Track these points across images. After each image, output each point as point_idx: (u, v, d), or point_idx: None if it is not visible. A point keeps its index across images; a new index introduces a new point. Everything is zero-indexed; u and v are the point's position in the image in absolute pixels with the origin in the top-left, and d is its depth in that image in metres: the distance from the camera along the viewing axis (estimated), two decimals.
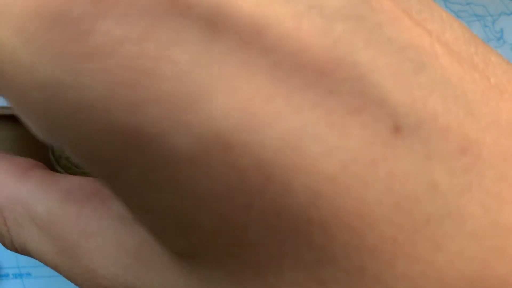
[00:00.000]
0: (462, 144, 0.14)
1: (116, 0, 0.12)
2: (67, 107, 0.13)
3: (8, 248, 0.19)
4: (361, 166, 0.13)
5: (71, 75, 0.12)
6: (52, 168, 0.26)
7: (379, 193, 0.13)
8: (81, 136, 0.13)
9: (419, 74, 0.14)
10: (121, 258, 0.17)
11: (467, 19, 0.29)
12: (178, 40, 0.12)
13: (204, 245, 0.14)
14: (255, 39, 0.13)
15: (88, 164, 0.14)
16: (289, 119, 0.13)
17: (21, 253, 0.19)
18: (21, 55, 0.13)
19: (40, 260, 0.18)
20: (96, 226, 0.17)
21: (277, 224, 0.13)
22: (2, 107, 0.27)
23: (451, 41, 0.15)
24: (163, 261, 0.16)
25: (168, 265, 0.16)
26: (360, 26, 0.13)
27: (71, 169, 0.26)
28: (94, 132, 0.13)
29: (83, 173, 0.26)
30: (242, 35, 0.13)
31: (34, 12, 0.13)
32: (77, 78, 0.12)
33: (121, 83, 0.12)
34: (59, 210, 0.18)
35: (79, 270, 0.17)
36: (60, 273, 0.18)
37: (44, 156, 0.27)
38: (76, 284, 0.17)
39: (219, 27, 0.13)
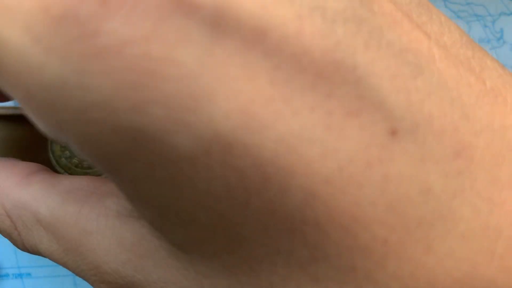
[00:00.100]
0: (456, 148, 0.14)
1: (122, 2, 0.13)
2: (73, 106, 0.13)
3: (22, 250, 0.20)
4: (356, 168, 0.13)
5: (78, 75, 0.13)
6: (52, 168, 0.27)
7: (373, 195, 0.14)
8: (86, 134, 0.14)
9: (416, 78, 0.14)
10: (120, 254, 0.17)
11: (467, 19, 0.29)
12: (182, 41, 0.13)
13: (202, 239, 0.15)
14: (257, 41, 0.13)
15: (93, 160, 0.14)
16: (288, 121, 0.13)
17: (33, 253, 0.20)
18: (30, 55, 0.13)
19: (51, 259, 0.19)
20: (95, 225, 0.18)
21: (273, 222, 0.14)
22: (3, 107, 0.28)
23: (449, 44, 0.15)
24: (161, 255, 0.17)
25: (166, 259, 0.17)
26: (360, 29, 0.14)
27: (71, 169, 0.26)
28: (99, 131, 0.13)
29: (83, 173, 0.27)
30: (245, 37, 0.13)
31: (42, 12, 0.13)
32: (83, 79, 0.13)
33: (126, 84, 0.13)
34: (60, 211, 0.18)
35: (85, 267, 0.18)
36: (70, 270, 0.19)
37: (44, 156, 0.27)
38: (85, 279, 0.18)
39: (222, 29, 0.13)
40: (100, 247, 0.18)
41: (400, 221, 0.14)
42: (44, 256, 0.19)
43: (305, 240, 0.14)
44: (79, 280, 0.30)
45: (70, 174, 0.26)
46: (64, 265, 0.19)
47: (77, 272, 0.18)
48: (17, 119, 0.27)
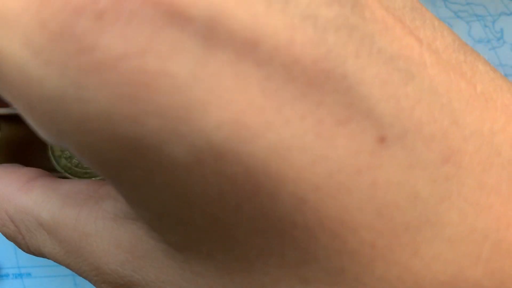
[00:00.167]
0: (445, 153, 0.14)
1: (117, 16, 0.13)
2: (72, 117, 0.14)
3: (27, 253, 0.21)
4: (346, 175, 0.14)
5: (76, 88, 0.13)
6: (52, 168, 0.27)
7: (362, 201, 0.14)
8: (85, 143, 0.14)
9: (407, 84, 0.14)
10: (118, 255, 0.18)
11: (467, 19, 0.29)
12: (175, 54, 0.13)
13: (197, 239, 0.16)
14: (249, 52, 0.13)
15: (93, 166, 0.15)
16: (279, 130, 0.14)
17: (38, 256, 0.21)
18: (30, 68, 0.14)
19: (55, 261, 0.20)
20: (93, 227, 0.18)
21: (264, 225, 0.14)
22: (3, 107, 0.28)
23: (441, 49, 0.16)
24: (158, 255, 0.17)
25: (162, 259, 0.17)
26: (351, 37, 0.14)
27: (71, 169, 0.27)
28: (97, 140, 0.14)
29: (83, 173, 0.27)
30: (237, 48, 0.13)
31: (40, 27, 0.13)
32: (81, 91, 0.13)
33: (122, 96, 0.13)
34: (61, 215, 0.19)
35: (87, 268, 0.18)
36: (74, 272, 0.19)
37: (44, 156, 0.27)
38: (87, 280, 0.19)
39: (215, 41, 0.13)
40: (99, 248, 0.18)
41: (388, 226, 0.14)
42: (49, 259, 0.20)
43: (295, 243, 0.15)
44: (79, 280, 0.30)
45: (70, 174, 0.27)
46: (68, 266, 0.19)
47: (80, 273, 0.19)
48: (17, 119, 0.28)
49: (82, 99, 0.13)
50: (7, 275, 0.30)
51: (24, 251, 0.21)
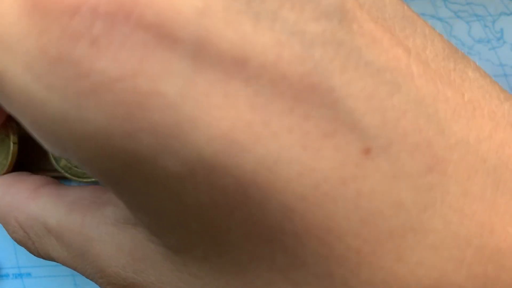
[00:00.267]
0: (429, 163, 0.15)
1: (110, 41, 0.14)
2: (74, 135, 0.15)
3: (38, 257, 0.22)
4: (331, 186, 0.15)
5: (75, 109, 0.14)
6: (52, 169, 0.28)
7: (347, 210, 0.15)
8: (87, 156, 0.15)
9: (393, 96, 0.15)
10: (120, 258, 0.19)
11: (467, 19, 0.29)
12: (165, 74, 0.14)
13: (193, 243, 0.17)
14: (237, 70, 0.14)
15: (94, 176, 0.16)
16: (267, 144, 0.14)
17: (48, 260, 0.22)
18: (33, 91, 0.15)
19: (63, 265, 0.21)
20: (96, 232, 0.20)
21: (255, 231, 0.15)
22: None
23: (430, 57, 0.16)
24: (157, 258, 0.18)
25: (161, 262, 0.18)
26: (338, 51, 0.15)
27: (71, 169, 0.27)
28: (97, 154, 0.15)
29: (83, 173, 0.27)
30: (225, 67, 0.14)
31: (41, 53, 0.14)
32: (81, 112, 0.14)
33: (117, 115, 0.14)
34: (66, 221, 0.20)
35: (92, 271, 0.20)
36: (81, 274, 0.21)
37: (45, 156, 0.28)
38: (93, 282, 0.20)
39: (203, 60, 0.14)
40: (102, 252, 0.20)
41: (372, 233, 0.15)
42: (58, 262, 0.22)
43: (285, 249, 0.15)
44: (79, 280, 0.30)
45: (70, 174, 0.27)
46: (75, 269, 0.21)
47: (86, 275, 0.21)
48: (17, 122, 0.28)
49: (82, 119, 0.15)
50: (7, 275, 0.30)
51: (34, 255, 0.23)
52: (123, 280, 0.19)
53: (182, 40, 0.14)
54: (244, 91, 0.14)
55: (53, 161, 0.27)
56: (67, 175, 0.27)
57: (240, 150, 0.14)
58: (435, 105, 0.16)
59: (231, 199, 0.15)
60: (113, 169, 0.16)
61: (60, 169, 0.27)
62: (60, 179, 0.27)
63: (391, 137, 0.15)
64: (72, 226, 0.21)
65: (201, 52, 0.14)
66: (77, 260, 0.21)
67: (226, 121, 0.14)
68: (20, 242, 0.23)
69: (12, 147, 0.27)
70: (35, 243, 0.22)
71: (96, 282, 0.20)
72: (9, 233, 0.24)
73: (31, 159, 0.28)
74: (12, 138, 0.27)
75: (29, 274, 0.30)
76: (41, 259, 0.30)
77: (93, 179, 0.27)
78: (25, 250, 0.28)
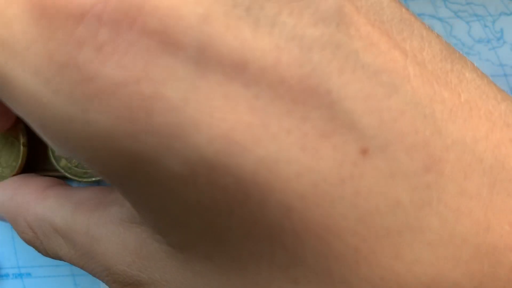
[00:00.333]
0: (426, 162, 0.16)
1: (115, 48, 0.15)
2: (81, 136, 0.16)
3: (46, 256, 0.23)
4: (329, 185, 0.15)
5: (82, 113, 0.15)
6: (52, 168, 0.28)
7: (345, 208, 0.15)
8: (93, 157, 0.16)
9: (390, 97, 0.15)
10: (126, 257, 0.20)
11: (467, 19, 0.29)
12: (169, 79, 0.15)
13: (196, 241, 0.17)
14: (237, 74, 0.15)
15: (100, 175, 0.17)
16: (266, 145, 0.15)
17: (56, 259, 0.23)
18: (41, 94, 0.16)
19: (71, 264, 0.22)
20: (103, 232, 0.20)
21: (255, 230, 0.16)
22: None
23: (427, 59, 0.17)
24: (161, 256, 0.19)
25: (165, 260, 0.19)
26: (336, 54, 0.15)
27: (70, 169, 0.27)
28: (103, 155, 0.16)
29: (83, 173, 0.28)
30: (226, 71, 0.15)
31: (48, 59, 0.15)
32: (87, 115, 0.15)
33: (122, 118, 0.15)
34: (73, 221, 0.21)
35: (99, 269, 0.20)
36: (88, 273, 0.21)
37: (44, 156, 0.28)
38: (100, 280, 0.21)
39: (205, 65, 0.15)
40: (108, 251, 0.20)
41: (370, 231, 0.15)
42: (65, 261, 0.22)
43: (284, 247, 0.16)
44: (79, 280, 0.30)
45: (70, 174, 0.27)
46: (82, 268, 0.22)
47: (93, 274, 0.21)
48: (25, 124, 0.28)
49: (88, 121, 0.15)
50: (7, 275, 0.30)
51: (43, 254, 0.23)
52: (129, 278, 0.20)
53: (185, 46, 0.15)
54: (244, 94, 0.15)
55: (53, 161, 0.28)
56: (67, 175, 0.27)
57: (240, 150, 0.15)
58: (431, 105, 0.16)
59: (231, 198, 0.16)
60: (118, 169, 0.16)
61: (60, 169, 0.28)
62: (60, 179, 0.27)
63: (388, 137, 0.15)
64: (79, 226, 0.21)
65: (202, 57, 0.15)
66: (83, 259, 0.21)
67: (226, 122, 0.15)
68: (29, 242, 0.24)
69: (22, 150, 0.27)
70: (43, 243, 0.23)
71: (102, 280, 0.21)
72: (18, 233, 0.24)
73: (31, 159, 0.28)
74: (22, 141, 0.27)
75: (29, 274, 0.30)
76: (42, 259, 0.30)
77: (93, 179, 0.28)
78: (25, 250, 0.29)
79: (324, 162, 0.15)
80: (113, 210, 0.21)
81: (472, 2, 0.30)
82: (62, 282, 0.30)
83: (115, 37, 0.15)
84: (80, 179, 0.27)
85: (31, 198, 0.24)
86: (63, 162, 0.28)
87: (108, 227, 0.21)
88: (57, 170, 0.28)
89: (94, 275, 0.22)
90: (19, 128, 0.27)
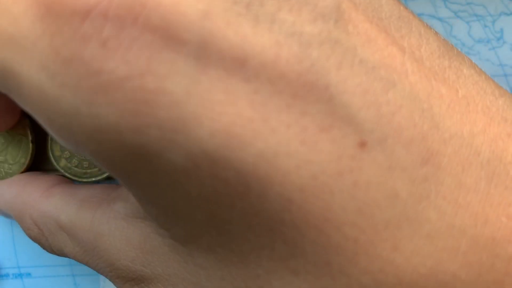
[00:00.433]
0: (423, 156, 0.16)
1: (119, 43, 0.15)
2: (86, 130, 0.16)
3: (51, 253, 0.24)
4: (328, 177, 0.16)
5: (87, 106, 0.16)
6: (52, 169, 0.28)
7: (344, 201, 0.16)
8: (98, 150, 0.17)
9: (388, 92, 0.16)
10: (129, 252, 0.20)
11: (467, 19, 0.30)
12: (171, 73, 0.15)
13: (198, 233, 0.18)
14: (238, 69, 0.15)
15: (106, 169, 0.17)
16: (266, 138, 0.15)
17: (60, 256, 0.23)
18: (47, 89, 0.16)
19: (75, 260, 0.22)
20: (106, 227, 0.21)
21: (256, 222, 0.16)
22: None
23: (425, 56, 0.17)
24: (164, 251, 0.19)
25: (168, 254, 0.19)
26: (334, 50, 0.16)
27: (70, 169, 0.27)
28: (108, 148, 0.16)
29: (83, 173, 0.28)
30: (226, 66, 0.15)
31: (54, 54, 0.16)
32: (92, 109, 0.16)
33: (126, 111, 0.16)
34: (77, 217, 0.22)
35: (103, 265, 0.21)
36: (92, 269, 0.22)
37: (44, 156, 0.28)
38: (104, 275, 0.21)
39: (206, 60, 0.15)
40: (112, 246, 0.21)
41: (369, 223, 0.16)
42: (70, 258, 0.23)
43: (284, 238, 0.16)
44: (79, 280, 0.30)
45: (70, 174, 0.28)
46: (87, 264, 0.22)
47: (97, 270, 0.22)
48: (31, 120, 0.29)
49: (93, 115, 0.16)
50: (7, 275, 0.30)
51: (48, 251, 0.24)
52: (132, 273, 0.20)
53: (186, 42, 0.15)
54: (244, 88, 0.15)
55: (53, 161, 0.28)
56: (67, 175, 0.28)
57: (241, 144, 0.16)
58: (429, 100, 0.16)
59: (232, 190, 0.16)
60: (123, 162, 0.17)
61: (60, 169, 0.28)
62: None
63: (386, 131, 0.16)
64: (83, 223, 0.22)
65: (204, 52, 0.15)
66: (88, 255, 0.22)
67: (227, 116, 0.15)
68: (34, 239, 0.24)
69: (31, 146, 0.28)
70: (48, 240, 0.24)
71: (106, 276, 0.22)
72: (24, 230, 0.25)
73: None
74: (31, 138, 0.28)
75: (29, 274, 0.31)
76: (42, 259, 0.31)
77: (93, 179, 0.28)
78: (25, 250, 0.29)
79: (323, 155, 0.16)
80: (116, 206, 0.21)
81: (472, 2, 0.30)
82: (62, 282, 0.31)
83: (119, 33, 0.15)
84: (79, 179, 0.28)
85: (37, 195, 0.24)
86: (63, 162, 0.28)
87: (111, 223, 0.21)
88: (56, 170, 0.28)
89: (98, 271, 0.22)
90: (26, 125, 0.28)
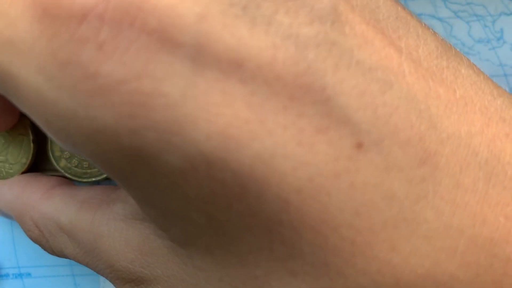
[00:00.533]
0: (421, 156, 0.16)
1: (115, 46, 0.15)
2: (83, 132, 0.16)
3: (51, 254, 0.24)
4: (325, 179, 0.16)
5: (84, 108, 0.16)
6: (52, 169, 0.28)
7: (341, 202, 0.16)
8: (95, 152, 0.17)
9: (385, 93, 0.16)
10: (128, 253, 0.20)
11: (467, 19, 0.30)
12: (167, 76, 0.15)
13: (196, 235, 0.18)
14: (234, 71, 0.15)
15: (104, 171, 0.18)
16: (262, 140, 0.16)
17: (61, 257, 0.23)
18: (44, 91, 0.16)
19: (76, 261, 0.22)
20: (106, 229, 0.21)
21: (253, 223, 0.16)
22: None
23: (423, 56, 0.17)
24: (163, 252, 0.19)
25: (167, 256, 0.19)
26: (331, 52, 0.16)
27: (70, 169, 0.28)
28: (105, 150, 0.16)
29: (83, 174, 0.28)
30: (223, 68, 0.15)
31: (51, 56, 0.16)
32: (89, 111, 0.16)
33: (123, 114, 0.16)
34: (77, 219, 0.22)
35: (103, 266, 0.21)
36: (92, 270, 0.22)
37: (44, 156, 0.28)
38: (104, 277, 0.22)
39: (202, 62, 0.15)
40: (111, 248, 0.21)
41: (366, 224, 0.16)
42: (70, 259, 0.23)
43: (282, 239, 0.16)
44: (79, 280, 0.30)
45: (70, 174, 0.28)
46: (87, 265, 0.22)
47: (97, 271, 0.22)
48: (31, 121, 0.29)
49: (90, 117, 0.16)
50: (7, 275, 0.30)
51: (48, 253, 0.24)
52: (132, 274, 0.21)
53: (183, 44, 0.16)
54: (240, 90, 0.16)
55: (53, 161, 0.28)
56: (66, 175, 0.28)
57: (237, 145, 0.16)
58: (426, 101, 0.16)
59: (229, 191, 0.16)
60: (120, 164, 0.17)
61: (60, 169, 0.28)
62: None
63: (383, 132, 0.16)
64: (83, 224, 0.22)
65: (200, 54, 0.16)
66: (88, 256, 0.22)
67: (223, 118, 0.16)
68: (35, 240, 0.25)
69: (32, 146, 0.28)
70: (49, 241, 0.24)
71: (106, 277, 0.22)
72: (25, 231, 0.25)
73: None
74: (32, 138, 0.28)
75: (29, 274, 0.31)
76: (42, 259, 0.31)
77: (92, 179, 0.28)
78: (25, 250, 0.29)
79: (320, 156, 0.16)
80: (116, 208, 0.22)
81: (472, 2, 0.30)
82: (62, 282, 0.31)
83: (116, 35, 0.16)
84: (79, 180, 0.28)
85: (37, 197, 0.25)
86: (62, 163, 0.28)
87: (111, 224, 0.21)
88: (56, 170, 0.28)
89: (98, 273, 0.22)
90: (27, 125, 0.28)
